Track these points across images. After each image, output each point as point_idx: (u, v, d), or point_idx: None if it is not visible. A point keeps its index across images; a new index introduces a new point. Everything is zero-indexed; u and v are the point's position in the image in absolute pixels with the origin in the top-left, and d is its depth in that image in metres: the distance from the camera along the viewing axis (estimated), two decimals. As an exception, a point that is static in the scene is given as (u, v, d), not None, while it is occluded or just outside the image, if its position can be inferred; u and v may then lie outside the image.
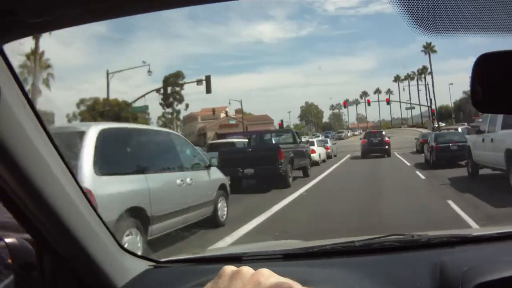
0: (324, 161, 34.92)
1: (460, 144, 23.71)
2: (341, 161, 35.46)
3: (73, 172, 1.75)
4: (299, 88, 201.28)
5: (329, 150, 38.96)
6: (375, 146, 37.28)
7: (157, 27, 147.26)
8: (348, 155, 41.34)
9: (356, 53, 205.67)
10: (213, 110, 78.35)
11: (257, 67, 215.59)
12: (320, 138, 44.70)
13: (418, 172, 22.64)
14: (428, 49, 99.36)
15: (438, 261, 2.00)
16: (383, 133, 40.05)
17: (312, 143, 33.04)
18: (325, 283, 1.91)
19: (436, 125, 72.89)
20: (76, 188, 1.77)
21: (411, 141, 47.50)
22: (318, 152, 32.50)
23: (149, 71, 55.41)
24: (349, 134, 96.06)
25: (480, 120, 61.74)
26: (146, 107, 62.08)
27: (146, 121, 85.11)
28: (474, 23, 1.26)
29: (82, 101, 75.03)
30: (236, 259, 2.29)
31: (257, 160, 19.13)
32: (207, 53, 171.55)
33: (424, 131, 63.37)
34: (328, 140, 43.89)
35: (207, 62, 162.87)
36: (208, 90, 46.12)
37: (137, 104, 54.38)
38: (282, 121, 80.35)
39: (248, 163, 19.26)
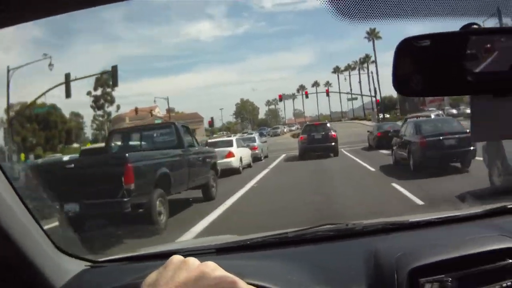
0: (249, 166, 24.94)
1: (458, 136, 15.41)
2: (272, 165, 25.35)
3: (6, 172, 1.76)
4: (236, 85, 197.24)
5: (256, 151, 28.77)
6: (318, 143, 27.33)
7: (95, 29, 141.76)
8: (283, 155, 31.40)
9: (293, 49, 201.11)
10: (136, 110, 71.29)
11: (194, 66, 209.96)
12: (245, 136, 34.85)
13: (398, 187, 13.05)
14: (372, 35, 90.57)
15: (372, 248, 2.01)
16: (328, 125, 30.14)
17: (230, 143, 23.26)
18: (259, 275, 1.85)
19: (381, 116, 67.67)
20: (10, 188, 1.80)
21: (358, 135, 38.90)
22: (238, 156, 22.50)
23: (50, 65, 49.37)
24: (285, 130, 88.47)
25: (432, 109, 51.97)
26: (52, 106, 58.10)
27: (80, 125, 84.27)
28: (398, 9, 1.34)
29: (10, 107, 68.38)
30: (172, 255, 1.54)
31: (87, 186, 9.12)
32: (146, 54, 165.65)
33: (368, 123, 60.14)
34: (256, 137, 33.06)
35: (145, 63, 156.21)
36: (115, 83, 41.40)
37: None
38: (212, 118, 77.14)
39: (71, 192, 9.18)
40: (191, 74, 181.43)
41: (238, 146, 23.52)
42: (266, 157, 31.39)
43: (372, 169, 18.39)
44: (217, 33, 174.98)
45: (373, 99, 79.65)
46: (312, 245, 2.27)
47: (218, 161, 16.38)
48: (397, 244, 2.06)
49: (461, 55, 1.30)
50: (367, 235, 2.32)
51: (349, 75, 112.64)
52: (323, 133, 27.94)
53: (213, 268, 0.96)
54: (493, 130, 1.50)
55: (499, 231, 2.19)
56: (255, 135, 35.79)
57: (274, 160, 28.34)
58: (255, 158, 27.77)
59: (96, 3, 1.30)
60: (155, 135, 13.97)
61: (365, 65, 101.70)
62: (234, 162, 21.69)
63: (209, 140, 26.30)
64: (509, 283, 1.81)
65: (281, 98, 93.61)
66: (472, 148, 14.77)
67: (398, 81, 1.32)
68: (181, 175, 11.64)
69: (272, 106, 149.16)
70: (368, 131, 32.66)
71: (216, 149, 17.85)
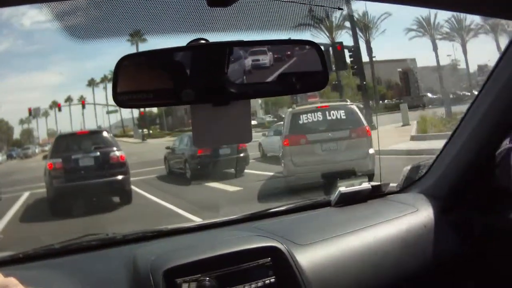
0: None
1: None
2: None
3: None
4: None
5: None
6: (87, 179, 12.86)
7: None
8: (26, 196, 16.81)
9: (48, 68, 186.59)
10: None
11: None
12: None
13: None
14: (137, 38, 78.37)
15: (132, 255, 2.04)
16: (105, 135, 15.39)
17: None
18: (34, 284, 1.56)
19: (146, 132, 57.42)
20: None
21: (131, 155, 25.20)
22: None
23: None
24: (36, 151, 72.78)
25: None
26: None
27: None
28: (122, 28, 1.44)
29: None
30: None
31: None
32: None
33: (131, 140, 52.31)
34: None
35: None
36: None
37: None
38: (-45, 139, 64.59)
39: None
40: None
41: None
42: (-4, 199, 16.73)
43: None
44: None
45: (135, 112, 67.70)
46: (77, 254, 2.27)
47: None
48: (155, 249, 2.09)
49: (185, 67, 1.33)
50: (128, 243, 2.33)
51: (106, 87, 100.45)
52: (97, 153, 13.67)
53: (15, 284, 1.01)
54: (214, 137, 1.51)
55: (258, 232, 2.31)
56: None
57: (5, 213, 13.69)
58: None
59: None
60: None
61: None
62: None
63: None
64: (272, 280, 1.92)
65: (31, 111, 78.53)
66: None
67: (118, 95, 1.31)
68: None
69: (26, 125, 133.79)
70: (167, 148, 19.04)
71: None
